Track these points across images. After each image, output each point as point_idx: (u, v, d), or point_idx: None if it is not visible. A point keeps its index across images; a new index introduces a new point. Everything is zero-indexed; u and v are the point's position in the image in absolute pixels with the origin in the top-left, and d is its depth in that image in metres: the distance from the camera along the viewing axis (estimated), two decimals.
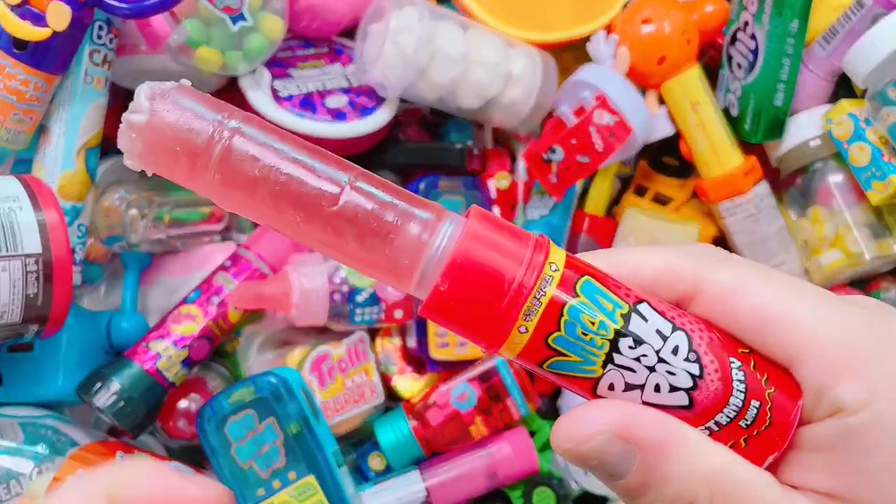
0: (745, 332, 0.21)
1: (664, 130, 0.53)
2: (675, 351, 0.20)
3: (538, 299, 0.20)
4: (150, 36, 0.47)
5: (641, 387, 0.20)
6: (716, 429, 0.20)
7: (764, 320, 0.20)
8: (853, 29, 0.50)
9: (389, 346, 0.53)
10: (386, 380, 0.53)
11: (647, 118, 0.51)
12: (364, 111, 0.52)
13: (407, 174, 0.58)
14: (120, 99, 0.57)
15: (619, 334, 0.20)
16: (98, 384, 0.46)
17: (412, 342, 0.52)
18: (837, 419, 0.19)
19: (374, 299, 0.49)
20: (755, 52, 0.51)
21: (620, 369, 0.20)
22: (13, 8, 0.42)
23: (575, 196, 0.55)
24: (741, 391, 0.20)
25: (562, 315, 0.20)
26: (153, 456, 0.48)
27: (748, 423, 0.20)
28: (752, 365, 0.21)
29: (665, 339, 0.20)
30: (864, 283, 0.56)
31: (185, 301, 0.49)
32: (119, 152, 0.56)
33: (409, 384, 0.53)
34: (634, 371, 0.20)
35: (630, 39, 0.51)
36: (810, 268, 0.54)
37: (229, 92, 0.55)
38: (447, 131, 0.59)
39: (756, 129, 0.52)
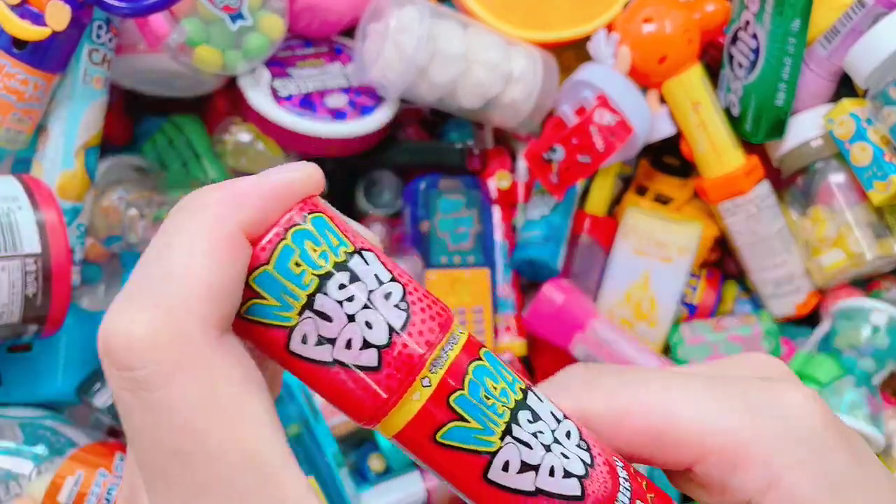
0: (642, 450, 0.20)
1: (665, 130, 0.53)
2: (567, 435, 0.19)
3: (445, 352, 0.18)
4: (150, 35, 0.47)
5: (537, 468, 0.19)
6: None
7: (656, 436, 0.20)
8: (854, 28, 0.50)
9: None
10: None
11: (647, 118, 0.51)
12: (364, 111, 0.52)
13: (407, 174, 0.58)
14: (119, 98, 0.57)
15: (519, 405, 0.19)
16: (97, 384, 0.46)
17: None
18: None
19: None
20: (756, 52, 0.51)
21: (518, 443, 0.19)
22: (12, 7, 0.42)
23: (576, 196, 0.55)
24: (627, 489, 0.20)
25: (466, 374, 0.19)
26: None
27: None
28: (632, 469, 0.21)
29: (559, 421, 0.20)
30: (865, 283, 0.56)
31: None
32: (117, 152, 0.56)
33: None
34: (531, 448, 0.19)
35: (631, 39, 0.51)
36: (811, 268, 0.54)
37: (229, 91, 0.55)
38: (447, 131, 0.59)
39: (757, 128, 0.52)
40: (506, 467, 0.19)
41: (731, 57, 0.53)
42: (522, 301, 0.55)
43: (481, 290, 0.52)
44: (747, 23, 0.51)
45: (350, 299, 0.18)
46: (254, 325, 0.18)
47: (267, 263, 0.18)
